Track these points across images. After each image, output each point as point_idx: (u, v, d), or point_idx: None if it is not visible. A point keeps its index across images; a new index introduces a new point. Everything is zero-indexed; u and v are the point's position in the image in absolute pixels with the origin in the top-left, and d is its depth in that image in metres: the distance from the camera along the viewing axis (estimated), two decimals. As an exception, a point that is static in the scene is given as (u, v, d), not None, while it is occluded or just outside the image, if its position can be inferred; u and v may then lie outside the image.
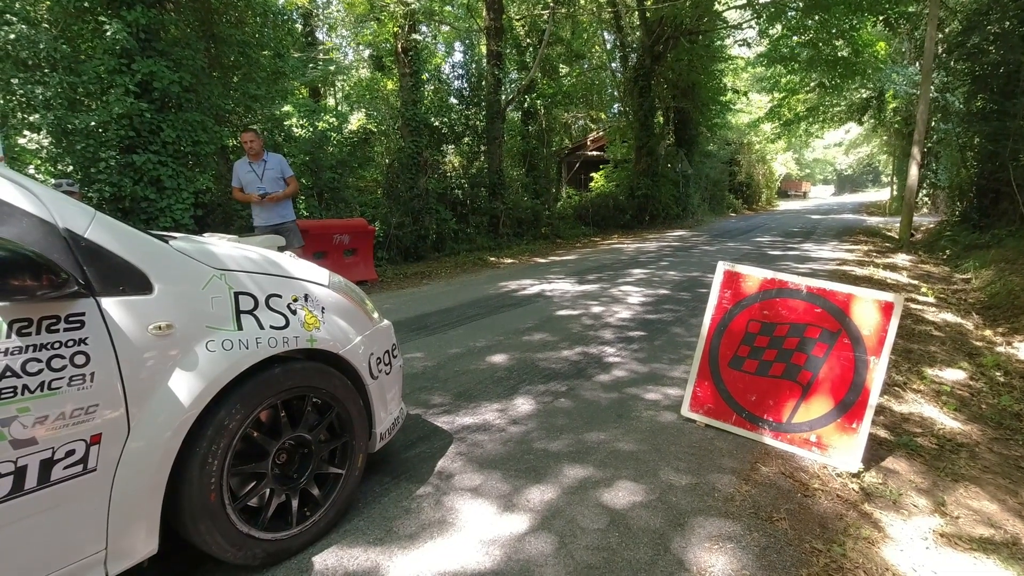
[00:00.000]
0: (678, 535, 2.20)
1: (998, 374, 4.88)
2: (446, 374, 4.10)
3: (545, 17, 12.51)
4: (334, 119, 10.22)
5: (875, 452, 2.98)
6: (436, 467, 2.72)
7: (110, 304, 1.55)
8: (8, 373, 1.36)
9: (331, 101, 18.51)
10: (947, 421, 3.69)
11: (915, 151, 12.14)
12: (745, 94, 24.03)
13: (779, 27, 17.50)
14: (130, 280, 1.61)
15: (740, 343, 3.12)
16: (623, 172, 19.14)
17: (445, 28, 15.61)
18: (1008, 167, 10.09)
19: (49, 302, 1.42)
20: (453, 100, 11.88)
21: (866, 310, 2.80)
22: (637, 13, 17.04)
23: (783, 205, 38.08)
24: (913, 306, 6.84)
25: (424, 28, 11.21)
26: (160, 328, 1.64)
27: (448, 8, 18.30)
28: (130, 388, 1.56)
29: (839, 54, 17.24)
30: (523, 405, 3.50)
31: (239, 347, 1.82)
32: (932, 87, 13.06)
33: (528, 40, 13.36)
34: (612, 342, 4.95)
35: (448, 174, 11.59)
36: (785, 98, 23.92)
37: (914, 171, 12.31)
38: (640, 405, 3.53)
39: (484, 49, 12.08)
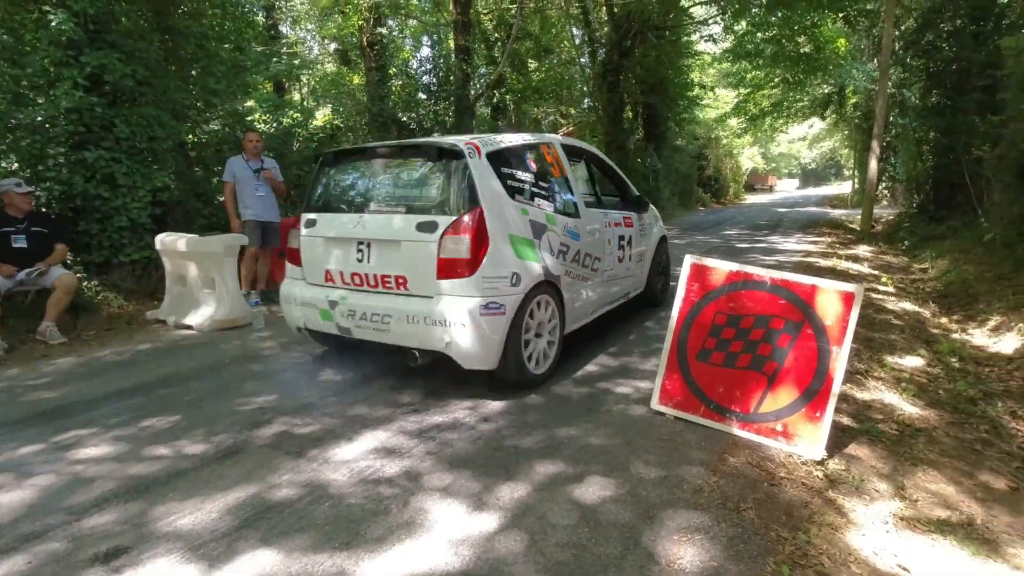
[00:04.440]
0: (648, 528, 2.20)
1: (954, 360, 5.05)
2: (417, 371, 4.05)
3: (513, 11, 12.44)
4: (299, 114, 9.98)
5: (839, 439, 3.04)
6: (404, 468, 2.67)
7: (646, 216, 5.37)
8: (641, 233, 5.26)
9: (296, 96, 18.16)
10: (907, 407, 3.80)
11: (874, 145, 12.49)
12: (712, 89, 24.36)
13: (744, 23, 17.81)
14: (644, 208, 5.35)
15: (707, 335, 3.15)
16: (593, 166, 19.20)
17: (412, 22, 15.38)
18: (961, 161, 10.43)
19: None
20: (421, 95, 11.69)
21: (828, 301, 2.85)
22: (605, 8, 17.10)
23: (750, 199, 38.81)
24: (874, 296, 7.03)
25: (391, 22, 10.97)
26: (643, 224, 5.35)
27: (415, 1, 18.08)
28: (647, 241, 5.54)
29: (801, 50, 17.63)
30: (494, 402, 3.48)
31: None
32: (890, 83, 13.44)
33: (496, 35, 13.25)
34: (583, 337, 4.95)
35: (418, 170, 11.43)
36: (751, 93, 24.37)
37: (873, 165, 12.67)
38: (611, 399, 3.54)
39: (452, 44, 11.94)
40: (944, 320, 6.47)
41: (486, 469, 2.66)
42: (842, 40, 17.93)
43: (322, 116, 9.83)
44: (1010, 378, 4.80)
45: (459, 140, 3.50)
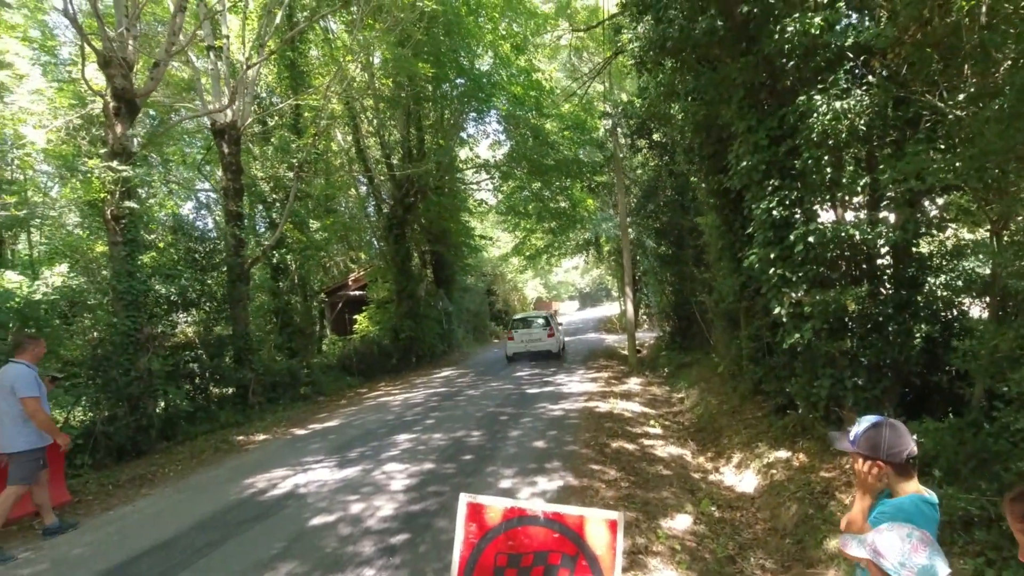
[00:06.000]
0: None
1: (713, 510, 5.63)
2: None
3: (291, 176, 12.43)
4: (23, 279, 8.09)
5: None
6: None
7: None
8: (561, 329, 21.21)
9: (22, 246, 15.30)
10: (684, 587, 4.01)
11: (627, 290, 14.68)
12: (491, 238, 26.90)
13: (511, 182, 20.41)
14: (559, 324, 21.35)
15: (491, 579, 2.97)
16: (386, 313, 19.23)
17: (175, 186, 14.37)
18: (690, 302, 12.70)
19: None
20: (185, 263, 10.52)
21: (596, 530, 2.91)
22: (385, 167, 18.20)
23: (539, 325, 42.41)
24: (646, 442, 7.75)
25: (143, 191, 9.91)
26: (562, 326, 24.80)
27: (185, 158, 17.12)
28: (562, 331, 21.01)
29: (561, 206, 20.64)
30: None
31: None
32: (631, 233, 16.22)
33: (275, 196, 13.00)
34: (371, 559, 4.43)
35: (181, 345, 10.04)
36: (526, 237, 27.47)
37: (630, 307, 14.80)
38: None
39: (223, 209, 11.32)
40: (701, 460, 7.34)
41: None
42: (590, 200, 21.53)
43: (51, 281, 8.02)
44: (755, 521, 5.48)
45: (544, 314, 20.36)
